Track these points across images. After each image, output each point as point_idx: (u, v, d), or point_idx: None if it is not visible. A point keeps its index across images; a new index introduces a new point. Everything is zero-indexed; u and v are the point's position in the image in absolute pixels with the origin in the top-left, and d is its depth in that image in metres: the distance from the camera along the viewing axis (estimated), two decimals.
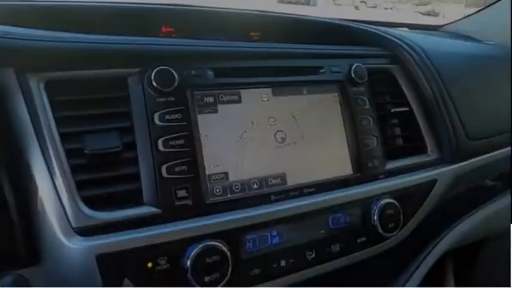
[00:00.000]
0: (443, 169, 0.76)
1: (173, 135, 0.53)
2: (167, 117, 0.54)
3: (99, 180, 0.51)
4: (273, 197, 0.59)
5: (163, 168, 0.52)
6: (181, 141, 0.54)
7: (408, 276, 0.74)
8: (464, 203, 0.93)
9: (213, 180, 0.56)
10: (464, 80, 0.84)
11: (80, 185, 0.49)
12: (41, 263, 0.50)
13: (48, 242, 0.49)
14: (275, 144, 0.62)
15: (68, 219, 0.48)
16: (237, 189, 0.57)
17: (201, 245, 0.51)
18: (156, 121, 0.53)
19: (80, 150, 0.50)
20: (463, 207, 0.92)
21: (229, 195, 0.57)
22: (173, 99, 0.55)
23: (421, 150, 0.76)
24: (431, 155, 0.76)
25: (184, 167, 0.53)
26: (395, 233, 0.67)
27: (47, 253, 0.49)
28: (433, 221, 0.81)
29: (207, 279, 0.51)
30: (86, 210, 0.48)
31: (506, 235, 1.34)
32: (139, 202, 0.52)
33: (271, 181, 0.60)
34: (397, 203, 0.67)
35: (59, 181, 0.48)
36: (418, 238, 0.80)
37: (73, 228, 0.48)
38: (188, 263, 0.50)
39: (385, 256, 0.74)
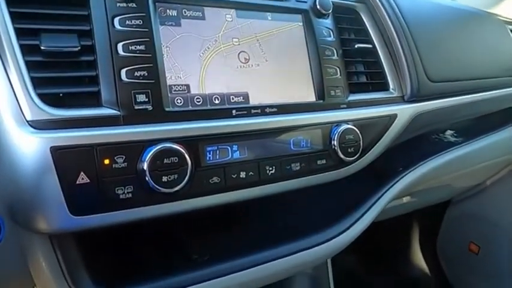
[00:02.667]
0: (403, 106, 0.79)
1: (133, 41, 0.53)
2: (128, 22, 0.54)
3: (56, 79, 0.50)
4: (234, 112, 0.60)
5: (123, 72, 0.52)
6: (141, 47, 0.54)
7: (364, 210, 0.77)
8: (422, 150, 0.96)
9: (174, 91, 0.56)
10: (429, 25, 0.87)
11: (36, 82, 0.49)
12: None
13: (2, 138, 0.48)
14: (238, 64, 0.62)
15: (23, 113, 0.47)
16: (198, 102, 0.58)
17: (159, 146, 0.51)
18: (117, 25, 0.53)
19: (36, 47, 0.49)
20: (421, 153, 0.96)
21: (190, 107, 0.57)
22: (135, 5, 0.54)
23: (384, 87, 0.79)
24: (393, 92, 0.79)
25: (144, 73, 0.53)
26: (354, 158, 0.69)
27: (1, 150, 0.49)
28: (392, 159, 0.84)
29: (165, 179, 0.51)
30: (42, 105, 0.48)
31: (467, 198, 1.42)
32: (98, 104, 0.51)
33: (233, 98, 0.61)
34: (357, 130, 0.69)
35: (14, 76, 0.48)
36: (377, 174, 0.83)
37: (27, 122, 0.47)
38: (146, 162, 0.50)
39: (343, 187, 0.77)
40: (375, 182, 0.85)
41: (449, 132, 1.18)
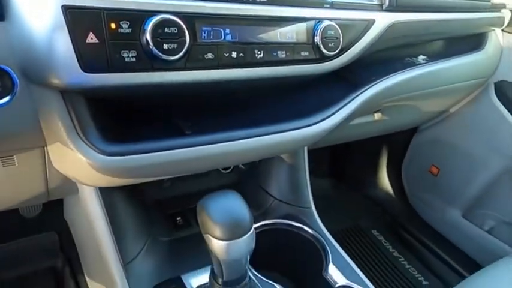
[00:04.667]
0: (381, 13, 0.85)
1: None
2: None
3: None
4: None
5: None
6: None
7: (340, 107, 0.85)
8: (395, 67, 1.04)
9: None
10: None
11: None
12: (7, 19, 0.53)
13: None
14: None
15: None
16: None
17: (160, 16, 0.56)
18: None
19: None
20: (394, 68, 1.04)
21: None
22: None
23: None
24: (373, 0, 0.85)
25: None
26: (334, 53, 0.76)
27: (13, 8, 0.53)
28: (366, 73, 0.92)
29: (165, 46, 0.57)
30: None
31: (433, 125, 1.55)
32: None
33: None
34: (338, 28, 0.75)
35: None
36: (352, 84, 0.91)
37: None
38: (149, 29, 0.55)
39: (322, 91, 0.85)
40: (351, 88, 0.94)
41: (421, 56, 1.26)
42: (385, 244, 1.63)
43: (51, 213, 1.25)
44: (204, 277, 0.66)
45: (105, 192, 0.72)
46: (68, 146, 0.58)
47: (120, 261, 0.67)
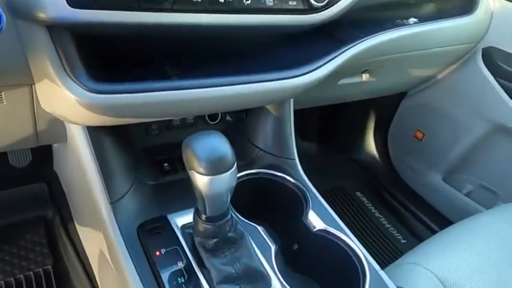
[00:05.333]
0: None
1: None
2: None
3: None
4: None
5: None
6: None
7: (328, 59, 0.86)
8: (385, 26, 1.05)
9: None
10: None
11: None
12: None
13: None
14: None
15: None
16: None
17: None
18: None
19: None
20: (384, 28, 1.04)
21: None
22: None
23: None
24: None
25: None
26: (323, 4, 0.76)
27: None
28: (356, 31, 0.93)
29: None
30: None
31: (421, 91, 1.57)
32: None
33: None
34: None
35: None
36: (341, 40, 0.92)
37: None
38: None
39: (312, 45, 0.85)
40: (339, 44, 0.94)
41: (412, 19, 1.26)
42: (367, 205, 1.69)
43: (41, 165, 1.27)
44: (188, 217, 0.69)
45: (94, 138, 0.73)
46: (55, 83, 0.59)
47: (108, 199, 0.69)
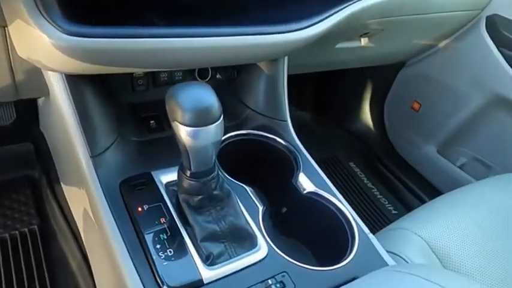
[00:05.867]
0: None
1: None
2: None
3: None
4: None
5: None
6: None
7: (327, 15, 0.81)
8: None
9: None
10: None
11: None
12: None
13: None
14: None
15: None
16: None
17: None
18: None
19: None
20: None
21: None
22: None
23: None
24: None
25: None
26: None
27: None
28: None
29: None
30: None
31: (420, 61, 1.53)
32: None
33: None
34: None
35: None
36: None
37: None
38: None
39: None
40: (339, 1, 0.89)
41: None
42: (360, 175, 1.68)
43: (27, 124, 1.23)
44: (174, 175, 0.66)
45: (74, 89, 0.69)
46: (29, 24, 0.55)
47: (89, 152, 0.66)
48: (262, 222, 0.68)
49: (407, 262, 0.74)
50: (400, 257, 0.75)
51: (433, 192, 1.56)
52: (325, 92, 1.90)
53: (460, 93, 1.40)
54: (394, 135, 1.72)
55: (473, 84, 1.36)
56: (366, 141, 1.80)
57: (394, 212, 1.55)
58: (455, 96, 1.42)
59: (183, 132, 0.53)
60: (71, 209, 1.10)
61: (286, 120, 0.88)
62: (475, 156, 1.45)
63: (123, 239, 0.59)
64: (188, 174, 0.60)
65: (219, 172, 0.64)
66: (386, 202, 1.58)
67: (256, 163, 0.86)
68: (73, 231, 1.14)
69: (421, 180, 1.62)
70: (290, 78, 0.94)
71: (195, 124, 0.53)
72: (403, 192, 1.62)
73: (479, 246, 0.82)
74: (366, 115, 1.81)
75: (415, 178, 1.63)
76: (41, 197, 1.27)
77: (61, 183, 1.15)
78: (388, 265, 0.66)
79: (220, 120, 0.55)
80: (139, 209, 0.63)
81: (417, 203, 1.58)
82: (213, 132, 0.54)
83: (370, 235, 0.70)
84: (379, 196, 1.60)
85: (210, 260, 0.59)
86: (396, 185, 1.65)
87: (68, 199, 1.12)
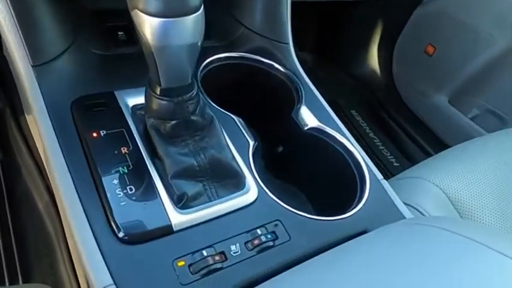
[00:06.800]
0: None
1: None
2: None
3: None
4: None
5: None
6: None
7: None
8: None
9: None
10: None
11: None
12: None
13: None
14: None
15: None
16: None
17: None
18: None
19: None
20: None
21: None
22: None
23: None
24: None
25: None
26: None
27: None
28: None
29: None
30: None
31: None
32: None
33: None
34: None
35: None
36: None
37: None
38: None
39: None
40: None
41: None
42: (362, 124, 1.54)
43: None
44: (143, 97, 0.52)
45: None
46: None
47: (30, 60, 0.51)
48: (253, 161, 0.55)
49: (423, 215, 0.63)
50: (415, 209, 0.63)
51: (439, 145, 1.44)
52: (329, 31, 1.71)
53: (481, 35, 1.24)
54: (401, 83, 1.57)
55: (498, 25, 1.20)
56: (370, 87, 1.64)
57: (396, 164, 1.43)
58: (475, 38, 1.26)
59: (147, 26, 0.38)
60: (36, 141, 0.96)
61: (288, 43, 0.71)
62: (488, 108, 1.32)
63: (69, 171, 0.45)
64: (158, 92, 0.46)
65: (200, 94, 0.50)
66: (389, 154, 1.46)
67: (248, 94, 0.71)
68: (40, 168, 1.01)
69: (427, 132, 1.49)
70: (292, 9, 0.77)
71: (163, 13, 0.37)
72: (407, 144, 1.50)
73: (500, 200, 0.71)
74: (373, 59, 1.64)
75: (420, 129, 1.51)
76: (4, 129, 1.12)
77: (25, 113, 1.00)
78: (405, 218, 0.54)
79: (200, 12, 0.39)
80: (94, 134, 0.48)
81: (422, 156, 1.46)
82: (190, 27, 0.39)
83: (384, 182, 0.58)
84: (381, 147, 1.47)
85: (182, 202, 0.46)
86: (400, 135, 1.52)
87: (32, 131, 0.98)
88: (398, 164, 1.43)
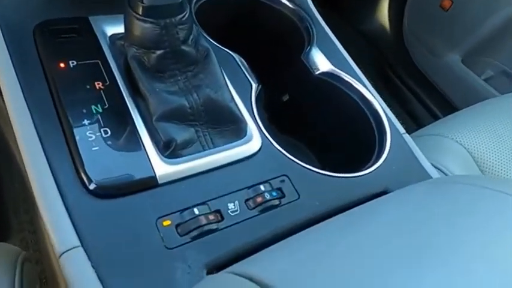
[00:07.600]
0: None
1: None
2: None
3: None
4: None
5: None
6: None
7: None
8: None
9: None
10: None
11: None
12: None
13: None
14: None
15: None
16: None
17: None
18: None
19: None
20: None
21: None
22: None
23: None
24: None
25: None
26: None
27: None
28: None
29: None
30: None
31: None
32: None
33: None
34: None
35: None
36: None
37: None
38: None
39: None
40: None
41: None
42: None
43: None
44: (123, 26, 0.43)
45: None
46: None
47: None
48: (256, 106, 0.46)
49: (446, 175, 0.55)
50: (435, 167, 0.56)
51: (449, 108, 1.36)
52: None
53: None
54: (412, 40, 1.47)
55: None
56: (378, 44, 1.54)
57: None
58: None
59: None
60: None
61: None
62: (504, 68, 1.24)
63: (29, 110, 0.36)
64: (140, 11, 0.36)
65: (194, 23, 0.40)
66: (395, 116, 1.38)
67: (250, 33, 0.61)
68: None
69: (436, 93, 1.41)
70: None
71: None
72: (414, 105, 1.42)
73: None
74: (383, 13, 1.52)
75: (430, 91, 1.42)
76: None
77: None
78: (431, 178, 0.46)
79: None
80: (62, 64, 0.39)
81: (428, 118, 1.39)
82: None
83: (406, 136, 0.50)
84: None
85: (170, 150, 0.37)
86: (407, 96, 1.44)
87: None
88: (404, 126, 1.36)
